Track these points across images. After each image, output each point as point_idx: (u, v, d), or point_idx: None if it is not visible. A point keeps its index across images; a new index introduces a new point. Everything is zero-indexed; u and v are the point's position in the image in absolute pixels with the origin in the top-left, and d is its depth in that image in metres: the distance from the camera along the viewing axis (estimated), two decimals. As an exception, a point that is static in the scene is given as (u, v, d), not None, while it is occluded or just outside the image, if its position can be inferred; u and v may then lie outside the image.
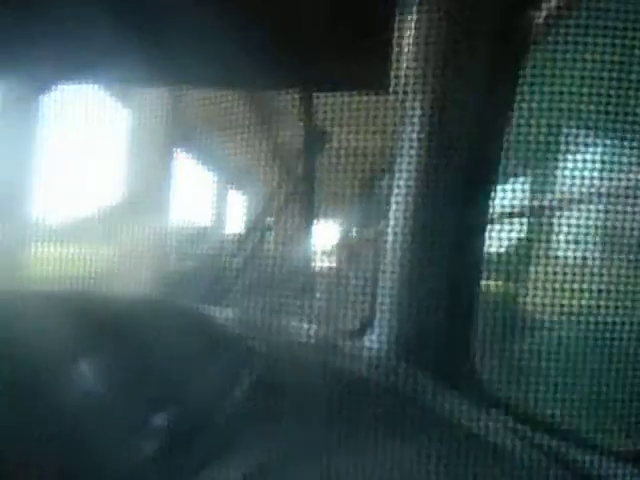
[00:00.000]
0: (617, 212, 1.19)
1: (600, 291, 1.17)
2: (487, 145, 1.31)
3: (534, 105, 1.24)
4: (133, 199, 1.53)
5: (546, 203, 1.31)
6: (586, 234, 1.20)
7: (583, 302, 1.17)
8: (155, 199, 1.58)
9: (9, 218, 1.50)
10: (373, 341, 1.36)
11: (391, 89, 1.36)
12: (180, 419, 1.03)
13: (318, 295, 1.48)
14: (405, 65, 1.34)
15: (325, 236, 1.56)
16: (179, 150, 1.61)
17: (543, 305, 1.20)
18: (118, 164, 1.53)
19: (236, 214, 1.65)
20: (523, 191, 1.30)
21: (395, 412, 1.05)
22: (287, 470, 0.97)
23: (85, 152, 1.47)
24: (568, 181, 1.21)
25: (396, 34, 1.34)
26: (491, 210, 1.31)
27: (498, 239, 1.27)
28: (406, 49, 1.34)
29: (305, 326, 1.37)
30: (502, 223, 1.27)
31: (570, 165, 1.21)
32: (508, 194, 1.30)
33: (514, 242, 1.29)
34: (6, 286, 1.33)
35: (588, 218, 1.20)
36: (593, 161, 1.20)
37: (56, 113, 1.43)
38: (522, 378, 1.13)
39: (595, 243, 1.20)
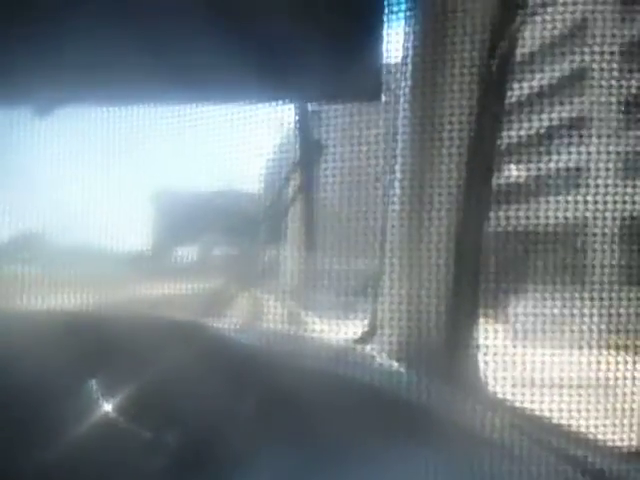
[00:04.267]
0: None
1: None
2: (481, 149, 1.33)
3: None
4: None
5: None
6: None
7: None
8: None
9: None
10: (376, 347, 1.37)
11: (384, 98, 1.38)
12: (187, 434, 1.04)
13: (323, 300, 1.50)
14: (397, 75, 1.36)
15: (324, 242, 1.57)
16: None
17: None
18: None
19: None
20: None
21: (399, 416, 1.06)
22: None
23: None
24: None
25: (387, 45, 1.36)
26: (488, 213, 1.33)
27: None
28: (397, 59, 1.35)
29: (310, 334, 1.38)
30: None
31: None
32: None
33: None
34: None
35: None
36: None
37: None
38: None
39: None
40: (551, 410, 1.11)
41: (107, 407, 1.05)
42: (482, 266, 1.32)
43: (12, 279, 1.42)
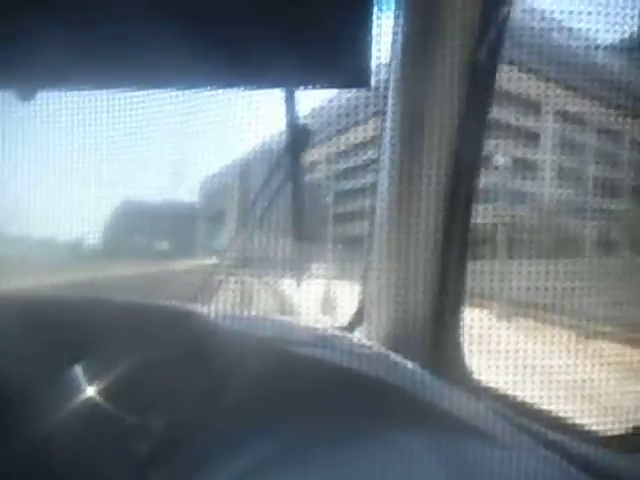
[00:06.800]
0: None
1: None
2: (469, 137, 1.33)
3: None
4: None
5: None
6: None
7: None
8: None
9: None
10: (364, 333, 1.38)
11: (372, 85, 1.38)
12: (173, 420, 1.04)
13: (310, 288, 1.50)
14: (385, 61, 1.36)
15: (314, 232, 1.57)
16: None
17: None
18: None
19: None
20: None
21: (385, 403, 1.06)
22: (281, 468, 0.99)
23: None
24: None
25: (376, 30, 1.35)
26: (475, 200, 1.34)
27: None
28: (386, 45, 1.35)
29: (298, 319, 1.39)
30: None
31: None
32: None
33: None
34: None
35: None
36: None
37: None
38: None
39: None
40: (532, 396, 1.13)
41: (91, 392, 1.05)
42: (469, 255, 1.34)
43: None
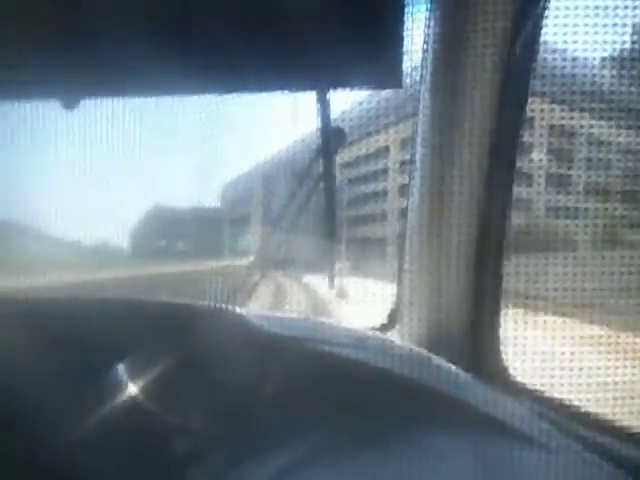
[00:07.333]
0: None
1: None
2: (504, 137, 1.32)
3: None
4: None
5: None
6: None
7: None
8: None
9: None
10: (399, 333, 1.37)
11: (404, 85, 1.37)
12: (210, 419, 1.04)
13: (343, 288, 1.50)
14: (418, 61, 1.35)
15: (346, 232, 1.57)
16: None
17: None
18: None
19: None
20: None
21: (423, 405, 1.06)
22: (316, 468, 0.99)
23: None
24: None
25: (409, 31, 1.35)
26: (511, 199, 1.32)
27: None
28: (419, 46, 1.34)
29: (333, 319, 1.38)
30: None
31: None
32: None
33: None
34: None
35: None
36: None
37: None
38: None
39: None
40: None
41: (131, 391, 1.06)
42: (505, 254, 1.32)
43: (41, 262, 1.44)
